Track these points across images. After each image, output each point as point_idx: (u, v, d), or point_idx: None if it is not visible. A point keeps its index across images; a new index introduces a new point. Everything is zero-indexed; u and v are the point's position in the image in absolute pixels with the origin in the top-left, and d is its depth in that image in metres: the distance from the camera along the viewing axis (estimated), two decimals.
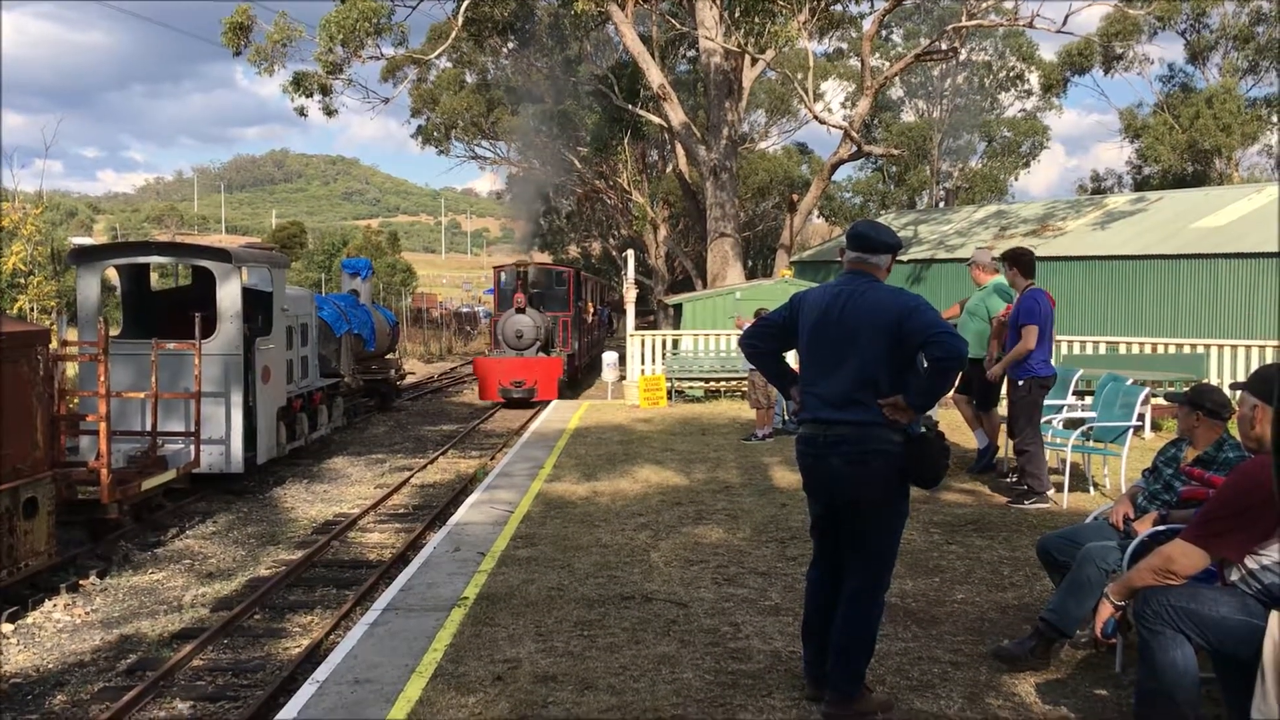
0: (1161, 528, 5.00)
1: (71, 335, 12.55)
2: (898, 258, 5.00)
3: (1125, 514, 5.39)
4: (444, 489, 13.34)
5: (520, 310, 21.93)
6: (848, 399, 4.56)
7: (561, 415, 15.70)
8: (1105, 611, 4.11)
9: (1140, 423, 11.93)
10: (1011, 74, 52.46)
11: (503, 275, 24.91)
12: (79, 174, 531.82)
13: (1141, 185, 42.41)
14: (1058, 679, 5.15)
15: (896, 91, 53.07)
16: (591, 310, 31.14)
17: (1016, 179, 55.16)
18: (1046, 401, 9.54)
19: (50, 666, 7.28)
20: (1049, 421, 9.78)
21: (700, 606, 6.38)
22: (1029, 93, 52.53)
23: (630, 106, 30.77)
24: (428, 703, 4.97)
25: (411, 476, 14.06)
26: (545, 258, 50.83)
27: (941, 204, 47.73)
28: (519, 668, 5.38)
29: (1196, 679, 4.00)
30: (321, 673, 5.47)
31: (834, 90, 49.76)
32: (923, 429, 4.54)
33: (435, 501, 12.45)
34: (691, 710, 4.84)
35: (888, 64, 36.10)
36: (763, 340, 5.00)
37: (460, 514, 9.23)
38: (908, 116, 55.29)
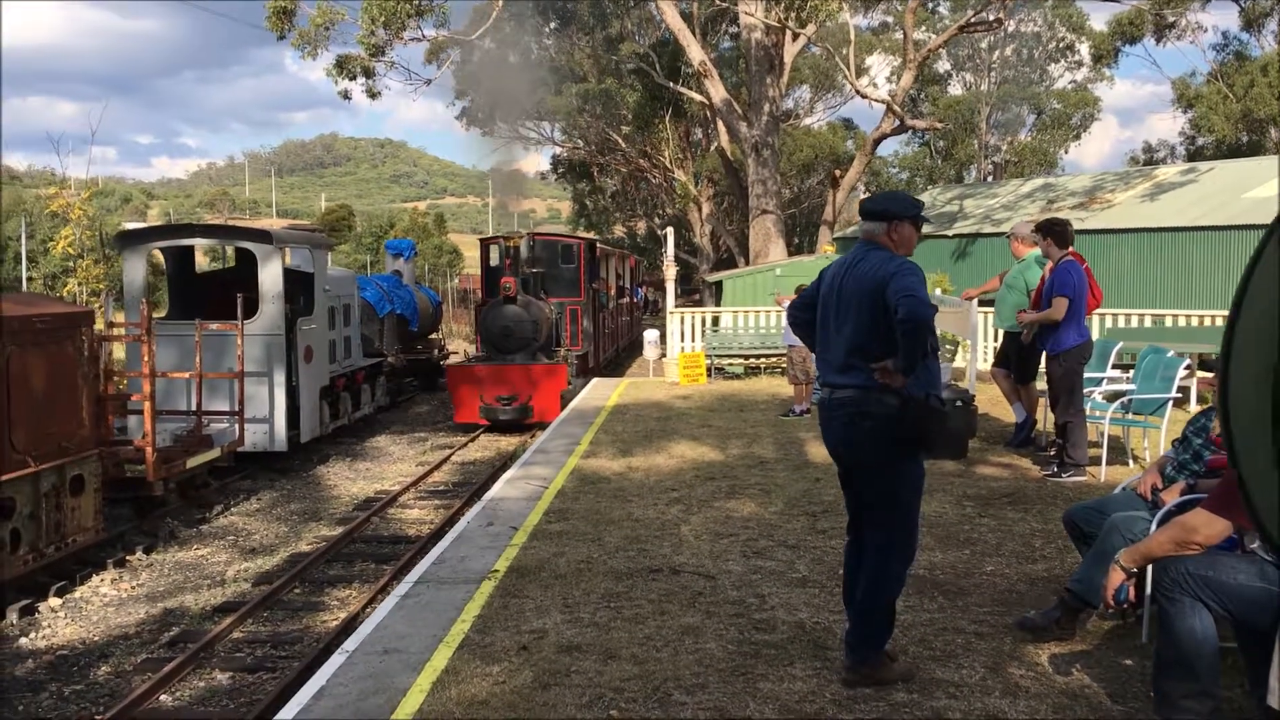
0: (1189, 497, 4.94)
1: (119, 317, 12.79)
2: (923, 229, 5.03)
3: (1153, 484, 5.33)
4: (484, 466, 13.47)
5: (509, 299, 16.08)
6: (846, 364, 4.70)
7: (601, 393, 15.76)
8: (1116, 578, 4.08)
9: (1181, 395, 11.74)
10: (1061, 45, 51.54)
11: (491, 251, 19.49)
12: (133, 160, 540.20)
13: (1195, 156, 41.53)
14: (1083, 649, 5.11)
15: (944, 64, 52.38)
16: (615, 291, 24.94)
17: (1067, 152, 54.24)
18: (1087, 374, 9.41)
19: (96, 639, 7.48)
20: (1089, 394, 9.66)
21: (727, 579, 6.41)
22: (1079, 64, 51.59)
23: (671, 84, 30.67)
24: (453, 671, 5.04)
25: (452, 454, 14.21)
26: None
27: (989, 178, 47.01)
28: (544, 638, 5.44)
29: (1216, 647, 3.96)
30: (351, 643, 5.58)
31: (879, 64, 49.23)
32: (925, 394, 4.55)
33: (475, 478, 12.58)
34: (712, 679, 4.87)
35: (934, 36, 35.64)
36: (803, 311, 5.16)
37: (496, 489, 9.31)
38: (955, 90, 54.57)
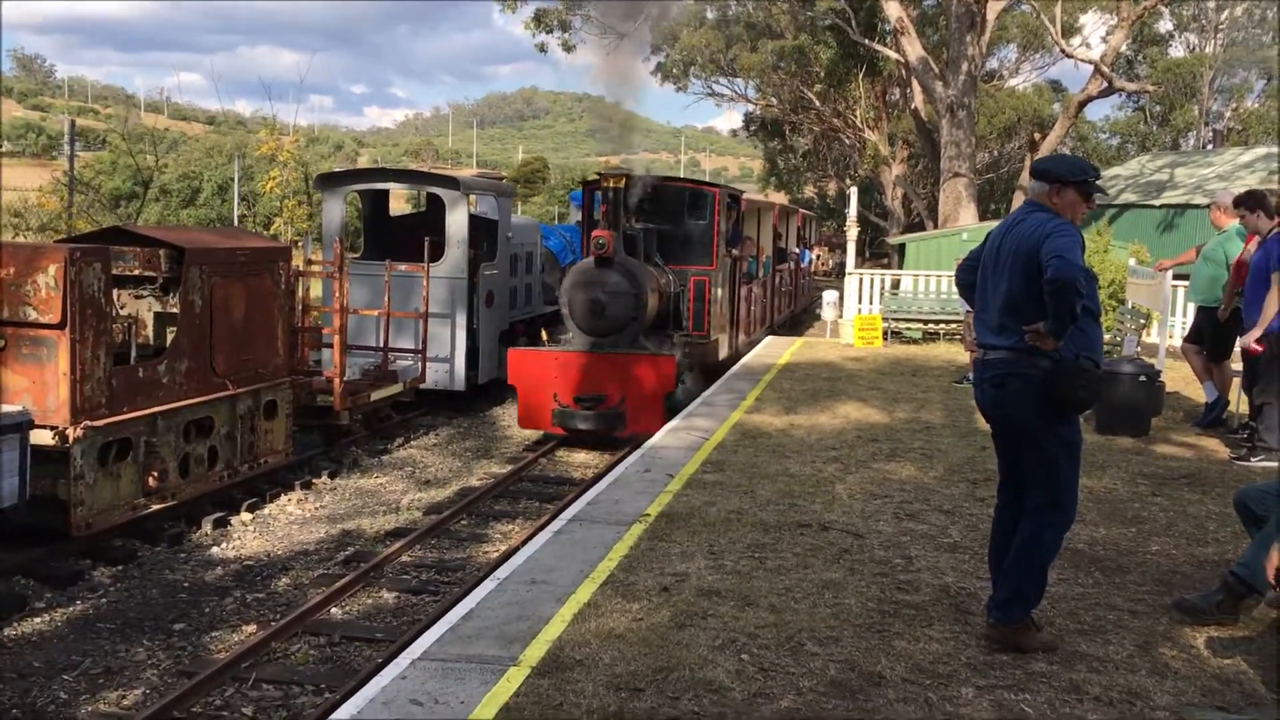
0: None
1: (318, 255, 13.52)
2: (1090, 195, 4.75)
3: None
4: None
5: (603, 260, 11.34)
6: (1000, 325, 4.66)
7: (773, 351, 15.73)
8: (1276, 559, 3.88)
9: None
10: None
11: (595, 199, 12.86)
12: (348, 109, 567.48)
13: None
14: (1243, 636, 4.88)
15: (1165, 24, 49.31)
16: (771, 257, 19.39)
17: None
18: None
19: (279, 553, 8.02)
20: None
21: (876, 539, 6.37)
22: None
23: (866, 41, 29.96)
24: (594, 604, 5.22)
25: None
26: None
27: (1210, 146, 44.13)
28: (686, 581, 5.56)
29: None
30: (503, 572, 5.83)
31: (1093, 23, 46.75)
32: (1076, 355, 4.44)
33: None
34: (847, 633, 4.89)
35: None
36: (967, 273, 5.13)
37: (657, 438, 9.47)
38: (1176, 51, 51.35)
